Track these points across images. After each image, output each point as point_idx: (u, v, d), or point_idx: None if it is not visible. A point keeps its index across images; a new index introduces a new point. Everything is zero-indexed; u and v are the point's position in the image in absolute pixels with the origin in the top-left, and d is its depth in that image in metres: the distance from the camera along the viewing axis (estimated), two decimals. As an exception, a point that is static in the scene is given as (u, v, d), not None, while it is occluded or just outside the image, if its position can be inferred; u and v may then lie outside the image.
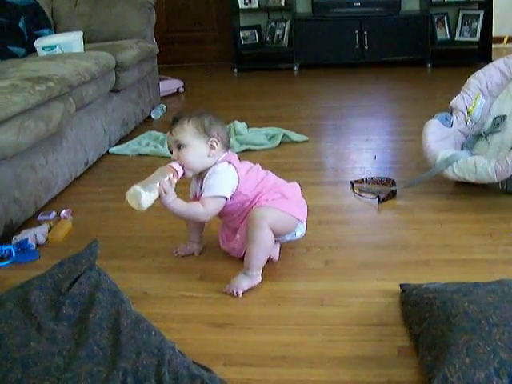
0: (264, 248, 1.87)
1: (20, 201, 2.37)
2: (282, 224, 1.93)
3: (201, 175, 1.96)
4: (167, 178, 1.81)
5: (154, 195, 1.78)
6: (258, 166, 2.04)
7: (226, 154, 1.96)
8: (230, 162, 1.94)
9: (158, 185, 1.78)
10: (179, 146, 1.90)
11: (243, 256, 1.93)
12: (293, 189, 2.03)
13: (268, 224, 1.85)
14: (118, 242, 2.26)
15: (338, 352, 1.56)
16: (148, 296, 1.88)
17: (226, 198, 1.90)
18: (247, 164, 2.02)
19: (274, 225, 1.87)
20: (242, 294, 1.85)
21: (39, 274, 1.66)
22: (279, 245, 2.04)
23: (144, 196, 1.74)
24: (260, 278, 1.89)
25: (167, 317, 1.75)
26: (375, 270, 1.95)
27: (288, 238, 2.01)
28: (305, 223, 2.02)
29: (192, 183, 2.03)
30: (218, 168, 1.92)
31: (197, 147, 1.90)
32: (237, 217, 1.98)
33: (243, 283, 1.87)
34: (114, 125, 3.45)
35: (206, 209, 1.88)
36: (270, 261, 1.96)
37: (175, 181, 1.86)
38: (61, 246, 2.25)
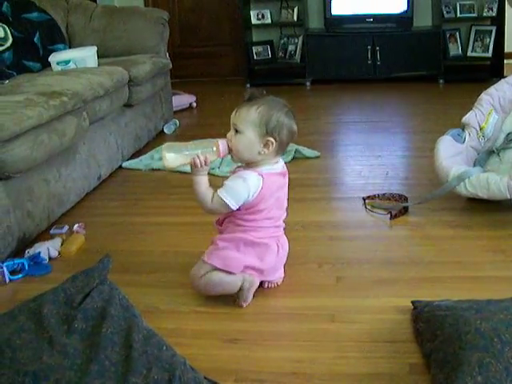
0: (218, 284, 1.86)
1: (33, 214, 2.39)
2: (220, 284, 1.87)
3: (247, 165, 1.87)
4: (205, 153, 1.81)
5: (182, 160, 1.82)
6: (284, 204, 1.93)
7: (277, 165, 1.88)
8: (261, 176, 1.81)
9: (192, 153, 1.80)
10: (236, 130, 1.82)
11: None
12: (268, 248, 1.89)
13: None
14: (131, 256, 2.26)
15: (349, 369, 1.56)
16: (160, 311, 1.88)
17: (232, 209, 1.82)
18: (283, 193, 1.91)
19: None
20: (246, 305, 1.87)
21: (51, 288, 1.66)
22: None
23: (168, 156, 1.82)
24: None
25: (179, 332, 1.76)
26: (387, 287, 1.95)
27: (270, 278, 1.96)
28: (260, 277, 1.92)
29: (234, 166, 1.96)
30: (246, 174, 1.82)
31: (251, 140, 1.80)
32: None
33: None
34: (127, 139, 3.47)
35: (212, 204, 1.82)
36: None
37: (212, 158, 1.82)
38: (73, 259, 2.27)
